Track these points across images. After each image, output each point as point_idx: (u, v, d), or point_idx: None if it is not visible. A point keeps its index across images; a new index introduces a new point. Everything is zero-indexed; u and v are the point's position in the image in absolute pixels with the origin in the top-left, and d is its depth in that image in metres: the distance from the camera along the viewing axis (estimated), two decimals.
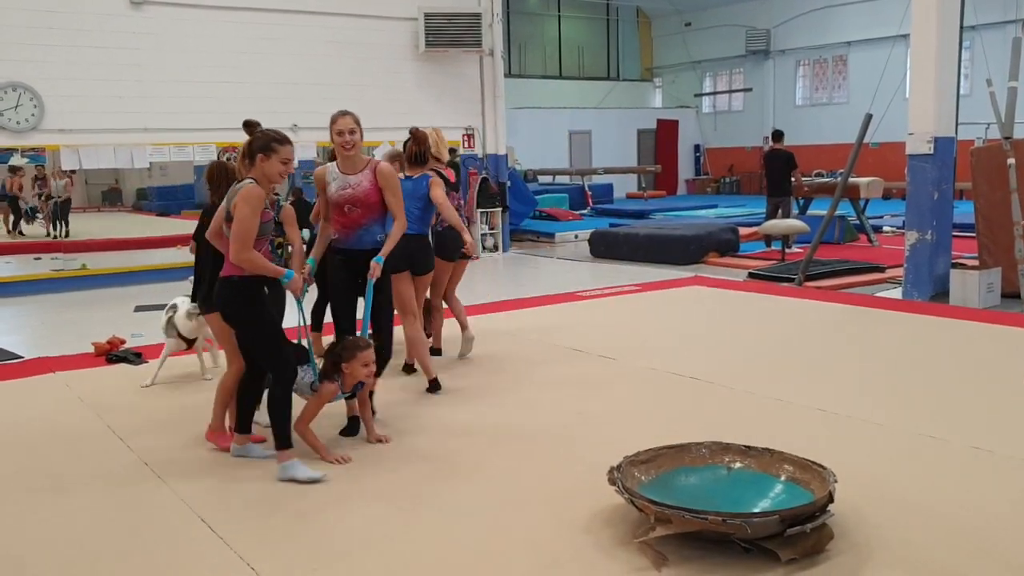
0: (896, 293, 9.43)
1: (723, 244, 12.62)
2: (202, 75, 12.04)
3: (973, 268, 8.81)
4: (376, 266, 4.58)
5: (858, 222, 13.49)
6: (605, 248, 13.08)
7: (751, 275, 10.64)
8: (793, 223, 11.59)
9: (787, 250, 12.11)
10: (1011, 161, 8.27)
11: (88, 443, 4.81)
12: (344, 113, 4.68)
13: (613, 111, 27.71)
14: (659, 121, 27.98)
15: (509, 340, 7.16)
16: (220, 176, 4.61)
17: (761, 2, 26.32)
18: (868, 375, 5.89)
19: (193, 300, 5.52)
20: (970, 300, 8.40)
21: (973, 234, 10.45)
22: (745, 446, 3.70)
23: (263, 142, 4.07)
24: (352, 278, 4.77)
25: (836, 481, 3.30)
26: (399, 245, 4.70)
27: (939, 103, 8.62)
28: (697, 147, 28.61)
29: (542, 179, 22.71)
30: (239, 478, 4.16)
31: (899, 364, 6.20)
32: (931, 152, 8.65)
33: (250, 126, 4.20)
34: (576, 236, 15.89)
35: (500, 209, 14.32)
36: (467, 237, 6.14)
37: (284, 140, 4.10)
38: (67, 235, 15.82)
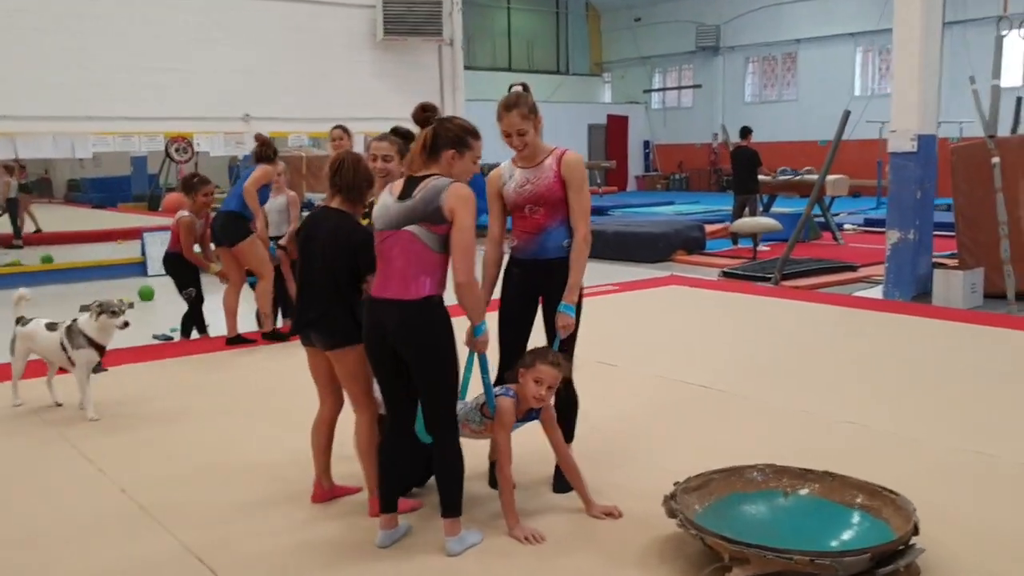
0: (874, 292, 9.30)
1: (690, 242, 12.43)
2: (150, 61, 11.35)
3: (955, 268, 8.71)
4: (567, 321, 3.65)
5: (823, 220, 13.40)
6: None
7: (725, 274, 10.43)
8: (766, 221, 11.43)
9: (755, 248, 11.96)
10: (995, 160, 8.17)
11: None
12: (507, 108, 3.62)
13: (563, 105, 27.40)
14: (609, 116, 27.84)
15: (492, 348, 6.77)
16: (357, 176, 3.59)
17: None
18: (884, 382, 5.66)
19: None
20: (954, 301, 8.29)
21: (945, 233, 10.47)
22: (802, 469, 3.40)
23: (455, 135, 3.25)
24: (530, 296, 3.83)
25: (915, 509, 3.00)
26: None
27: (922, 100, 8.49)
28: (647, 143, 28.55)
29: None
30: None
31: (911, 369, 6.00)
32: (914, 150, 8.51)
33: (427, 110, 3.34)
34: None
35: None
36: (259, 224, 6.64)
37: (478, 134, 3.34)
38: (19, 237, 14.92)
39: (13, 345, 5.30)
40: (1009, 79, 20.72)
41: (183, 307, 7.21)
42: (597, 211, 18.47)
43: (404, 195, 3.24)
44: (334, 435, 3.80)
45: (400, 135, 4.22)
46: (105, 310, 5.03)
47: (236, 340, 6.97)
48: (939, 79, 8.75)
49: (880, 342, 6.91)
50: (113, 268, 11.74)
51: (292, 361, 6.22)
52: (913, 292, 8.74)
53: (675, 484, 3.27)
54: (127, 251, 12.36)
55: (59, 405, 5.29)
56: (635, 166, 28.53)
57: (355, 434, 3.62)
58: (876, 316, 7.94)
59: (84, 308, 5.26)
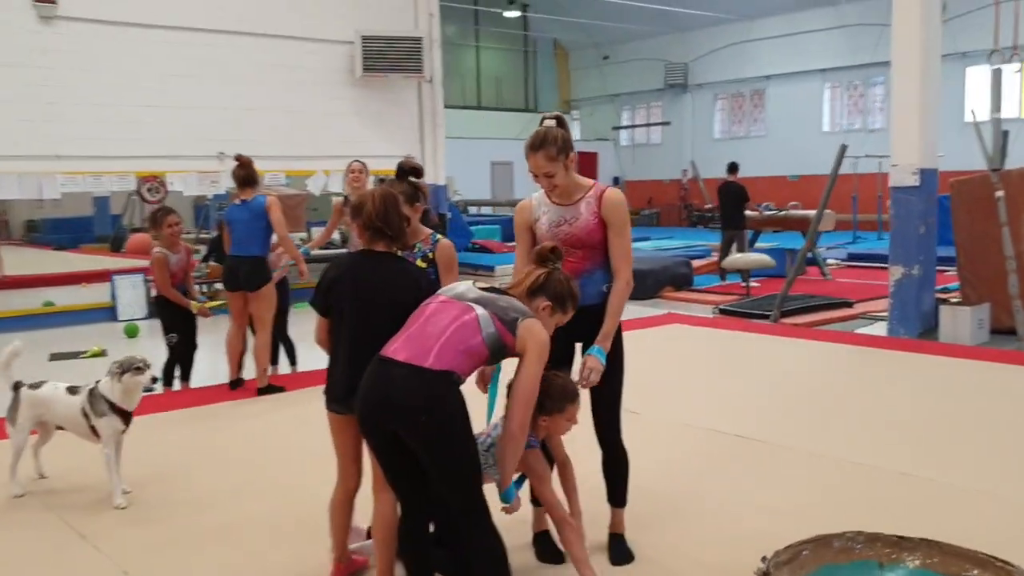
0: (877, 329, 9.12)
1: (678, 278, 12.23)
2: (121, 98, 10.95)
3: (958, 304, 8.55)
4: (597, 364, 3.30)
5: (810, 255, 13.25)
6: None
7: (722, 311, 10.20)
8: (759, 257, 11.24)
9: (747, 284, 11.77)
10: (999, 194, 8.05)
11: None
12: (533, 148, 3.30)
13: None
14: (579, 153, 27.75)
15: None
16: (398, 213, 3.20)
17: (679, 36, 26.48)
18: (924, 428, 5.41)
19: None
20: (961, 337, 8.11)
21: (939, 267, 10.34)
22: (897, 537, 3.08)
23: (561, 295, 3.09)
24: (566, 344, 3.46)
25: None
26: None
27: (923, 134, 8.37)
28: (616, 179, 28.51)
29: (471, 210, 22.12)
30: None
31: (949, 412, 5.76)
32: (917, 184, 8.37)
33: (550, 259, 3.13)
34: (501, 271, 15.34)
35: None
36: (303, 268, 6.69)
37: (575, 306, 3.16)
38: None
39: (14, 414, 4.46)
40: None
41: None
42: None
43: (487, 290, 3.01)
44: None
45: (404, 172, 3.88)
46: (127, 368, 4.32)
47: (268, 389, 6.57)
48: (938, 112, 8.63)
49: (903, 383, 6.68)
50: (81, 313, 11.21)
51: (290, 414, 5.95)
52: (919, 329, 8.56)
53: (763, 560, 2.93)
54: (95, 295, 11.81)
55: (43, 477, 4.69)
56: None
57: (374, 518, 3.18)
58: (888, 355, 7.72)
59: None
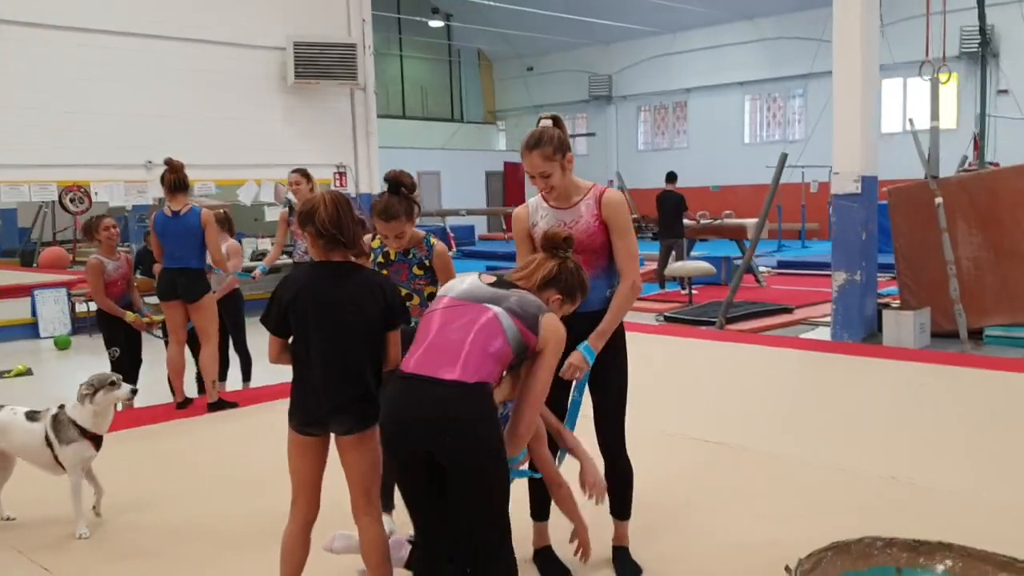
0: (819, 334, 9.27)
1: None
2: (43, 104, 10.43)
3: (899, 309, 8.74)
4: (582, 362, 3.14)
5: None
6: None
7: (667, 318, 10.24)
8: (701, 265, 11.35)
9: (690, 292, 11.86)
10: (939, 200, 8.27)
11: None
12: (528, 147, 3.23)
13: (460, 152, 27.25)
14: (506, 163, 27.77)
15: None
16: (350, 218, 2.94)
17: (602, 48, 26.76)
18: (895, 430, 5.45)
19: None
20: (904, 341, 8.29)
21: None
22: (914, 540, 3.05)
23: (572, 287, 3.00)
24: (570, 353, 3.24)
25: None
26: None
27: (864, 142, 8.55)
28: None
29: None
30: None
31: (912, 415, 5.83)
32: (859, 191, 8.54)
33: (563, 247, 3.00)
34: None
35: None
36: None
37: (584, 297, 3.08)
38: None
39: None
40: (891, 124, 21.81)
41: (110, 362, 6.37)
42: (510, 257, 18.22)
43: (495, 284, 2.82)
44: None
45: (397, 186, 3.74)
46: (100, 385, 3.99)
47: (219, 405, 6.32)
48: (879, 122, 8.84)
49: (862, 386, 6.78)
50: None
51: (246, 430, 5.55)
52: (862, 334, 8.73)
53: (787, 570, 2.86)
54: (14, 311, 11.18)
55: (9, 519, 4.21)
56: None
57: (362, 543, 2.99)
58: (840, 359, 7.83)
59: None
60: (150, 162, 11.38)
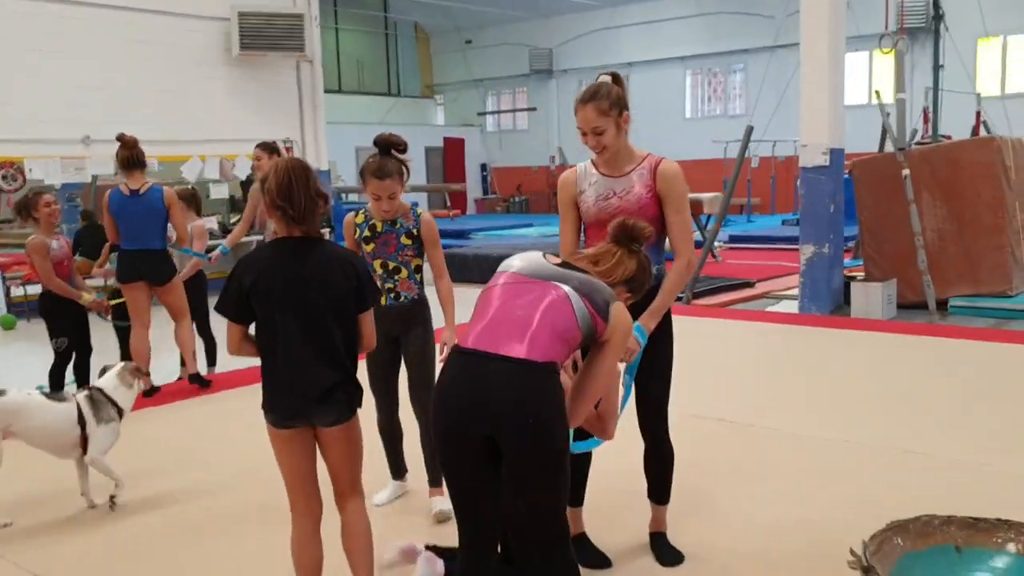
0: (785, 307, 9.30)
1: None
2: None
3: (864, 281, 8.81)
4: (635, 344, 2.95)
5: (701, 237, 13.46)
6: (452, 272, 12.18)
7: None
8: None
9: None
10: (906, 172, 8.32)
11: None
12: (583, 100, 3.08)
13: (398, 128, 26.59)
14: (446, 139, 27.39)
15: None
16: (309, 190, 2.69)
17: (542, 21, 26.50)
18: (897, 400, 5.47)
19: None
20: (873, 312, 8.36)
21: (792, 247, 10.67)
22: (972, 518, 2.98)
23: (641, 281, 2.82)
24: None
25: None
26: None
27: (832, 114, 8.55)
28: (484, 166, 28.31)
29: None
30: None
31: (909, 386, 5.85)
32: (827, 164, 8.55)
33: (635, 238, 2.79)
34: None
35: (329, 231, 12.97)
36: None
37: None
38: None
39: None
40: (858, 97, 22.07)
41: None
42: (458, 234, 17.95)
43: (561, 266, 2.59)
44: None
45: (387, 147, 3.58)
46: (146, 371, 4.41)
47: (197, 378, 6.29)
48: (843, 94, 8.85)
49: (847, 357, 6.81)
50: None
51: (211, 415, 5.23)
52: (830, 306, 8.77)
53: (853, 553, 2.75)
54: None
55: (5, 526, 3.89)
56: (473, 189, 28.18)
57: (347, 528, 2.81)
58: (813, 331, 7.85)
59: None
60: (88, 137, 10.87)
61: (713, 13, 23.16)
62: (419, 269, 3.81)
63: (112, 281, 6.59)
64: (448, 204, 23.18)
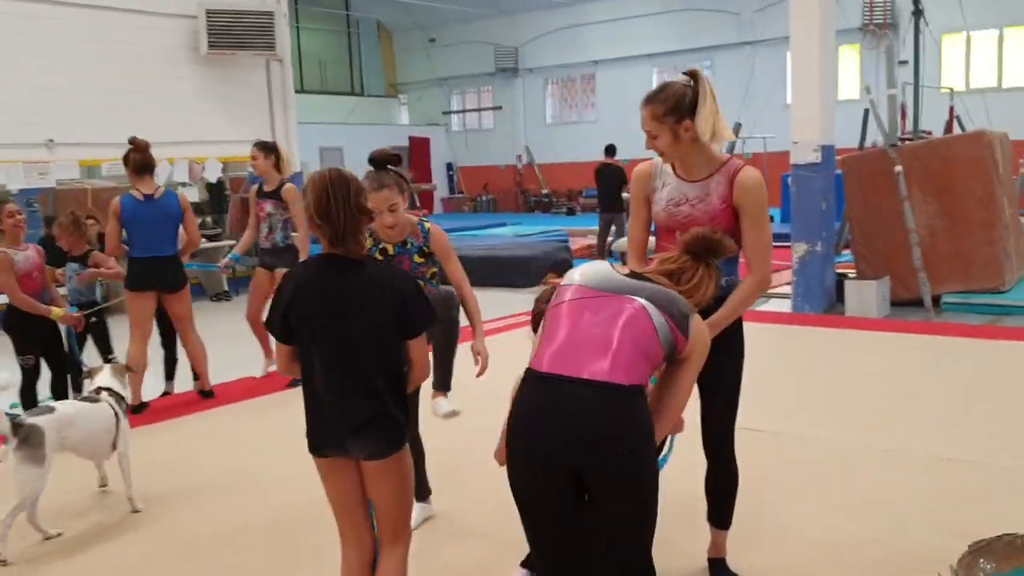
0: (775, 306, 9.18)
1: (560, 263, 11.93)
2: None
3: (860, 279, 8.73)
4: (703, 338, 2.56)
5: None
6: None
7: None
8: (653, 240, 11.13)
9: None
10: (898, 169, 8.25)
11: None
12: (644, 102, 2.89)
13: (362, 127, 26.32)
14: (411, 138, 27.05)
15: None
16: (354, 204, 2.50)
17: (507, 20, 26.28)
18: (918, 404, 5.34)
19: None
20: (867, 310, 8.28)
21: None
22: None
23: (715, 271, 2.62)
24: None
25: None
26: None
27: (823, 111, 8.45)
28: (450, 165, 28.02)
29: None
30: None
31: (924, 388, 5.74)
32: (819, 161, 8.45)
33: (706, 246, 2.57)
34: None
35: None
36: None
37: None
38: None
39: (38, 451, 3.61)
40: (848, 92, 22.18)
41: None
42: None
43: (630, 276, 2.39)
44: None
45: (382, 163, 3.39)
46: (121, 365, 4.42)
47: (209, 393, 6.10)
48: (836, 91, 8.75)
49: (854, 359, 6.69)
50: None
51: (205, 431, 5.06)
52: (824, 304, 8.68)
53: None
54: None
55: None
56: (439, 188, 27.89)
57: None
58: (812, 331, 7.75)
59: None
60: (51, 140, 10.45)
61: (680, 10, 23.14)
62: (435, 275, 3.62)
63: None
64: (418, 204, 22.85)
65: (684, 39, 23.29)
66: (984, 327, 7.66)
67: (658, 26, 23.69)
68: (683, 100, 2.79)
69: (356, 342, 2.43)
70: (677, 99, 2.79)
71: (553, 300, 2.42)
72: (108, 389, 4.15)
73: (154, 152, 11.27)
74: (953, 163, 8.47)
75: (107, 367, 4.36)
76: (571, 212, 23.89)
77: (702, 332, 2.38)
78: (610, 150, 12.74)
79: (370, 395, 2.45)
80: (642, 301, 2.30)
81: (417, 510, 3.81)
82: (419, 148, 27.13)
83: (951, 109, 13.12)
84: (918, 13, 10.03)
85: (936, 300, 8.44)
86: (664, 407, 2.39)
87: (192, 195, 12.19)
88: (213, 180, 12.39)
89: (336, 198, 2.41)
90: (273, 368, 6.46)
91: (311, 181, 2.45)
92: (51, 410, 3.87)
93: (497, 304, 9.59)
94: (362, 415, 2.44)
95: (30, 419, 3.71)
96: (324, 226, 2.43)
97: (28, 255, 5.45)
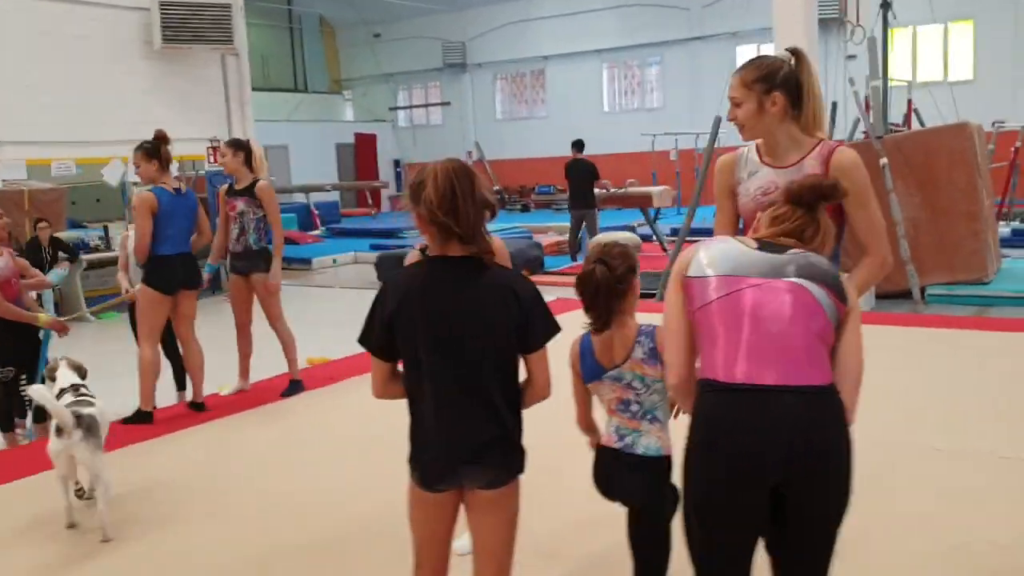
0: None
1: (532, 261, 11.78)
2: None
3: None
4: None
5: (651, 232, 13.28)
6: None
7: None
8: (628, 236, 10.97)
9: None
10: (884, 161, 8.23)
11: None
12: (737, 70, 2.64)
13: (307, 124, 25.80)
14: (357, 135, 26.58)
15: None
16: (465, 199, 2.18)
17: (455, 14, 25.96)
18: (952, 401, 5.25)
19: None
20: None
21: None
22: None
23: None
24: None
25: None
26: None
27: None
28: (397, 162, 27.59)
29: None
30: None
31: (943, 381, 5.66)
32: None
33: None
34: (335, 261, 14.30)
35: None
36: None
37: None
38: None
39: (98, 438, 3.85)
40: None
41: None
42: (388, 234, 17.32)
43: (765, 248, 2.17)
44: None
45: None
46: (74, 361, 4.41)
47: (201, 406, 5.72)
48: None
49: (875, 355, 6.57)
50: None
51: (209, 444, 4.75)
52: None
53: None
54: None
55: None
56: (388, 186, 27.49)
57: None
58: None
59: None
60: None
61: (629, 5, 23.12)
62: None
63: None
64: (371, 202, 22.49)
65: (633, 34, 23.29)
66: (974, 318, 7.68)
67: (607, 21, 23.64)
68: (777, 72, 2.60)
69: (475, 357, 2.18)
70: (771, 69, 2.60)
71: (695, 298, 2.17)
72: (82, 386, 4.20)
73: (106, 151, 10.94)
74: (936, 155, 8.50)
75: (63, 363, 4.33)
76: (525, 209, 23.71)
77: (851, 286, 2.22)
78: (578, 145, 12.55)
79: (490, 416, 2.21)
80: (800, 281, 2.09)
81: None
82: (365, 145, 26.68)
83: (909, 102, 13.25)
84: (886, 6, 10.05)
85: (920, 292, 8.46)
86: (846, 371, 2.13)
87: None
88: None
89: (464, 191, 2.16)
90: (242, 388, 6.13)
91: (432, 175, 2.17)
92: (91, 402, 3.98)
93: None
94: (481, 439, 2.20)
95: (86, 410, 3.85)
96: (450, 223, 2.15)
97: (6, 260, 5.09)
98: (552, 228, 16.61)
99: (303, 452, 4.90)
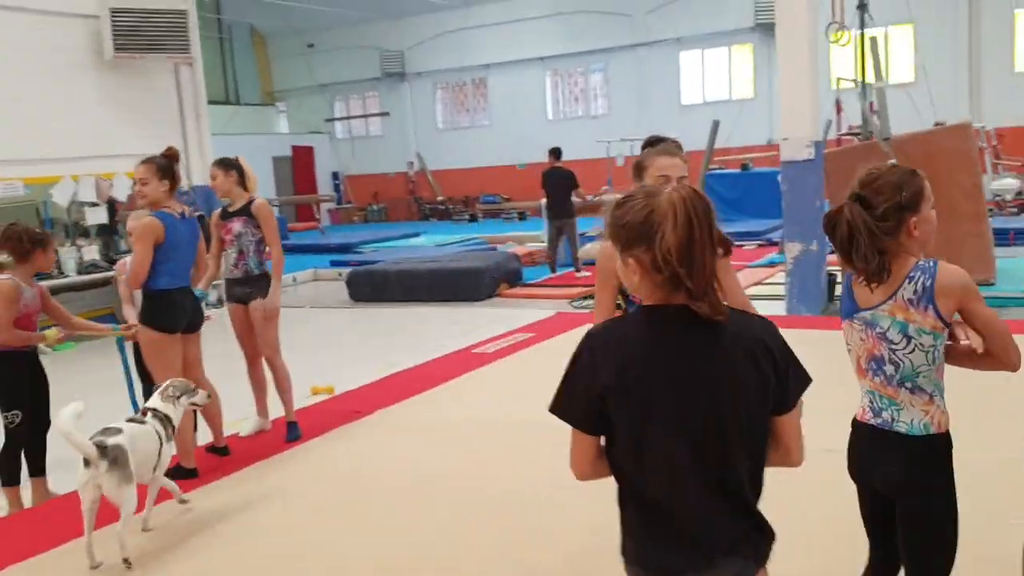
0: (771, 308, 8.90)
1: (511, 274, 11.39)
2: None
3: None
4: None
5: None
6: (371, 291, 11.19)
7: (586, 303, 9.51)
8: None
9: (579, 274, 11.25)
10: (892, 162, 8.07)
11: None
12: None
13: (240, 137, 24.82)
14: (294, 148, 25.77)
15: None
16: (700, 244, 1.70)
17: (392, 23, 25.44)
18: (982, 406, 5.04)
19: None
20: None
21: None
22: None
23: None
24: None
25: None
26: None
27: (813, 105, 8.22)
28: (336, 174, 26.86)
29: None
30: None
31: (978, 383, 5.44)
32: (812, 157, 8.21)
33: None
34: (295, 279, 13.65)
35: None
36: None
37: None
38: None
39: (127, 469, 3.72)
40: (692, 96, 22.39)
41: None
42: (343, 249, 16.73)
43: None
44: None
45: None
46: (183, 392, 4.27)
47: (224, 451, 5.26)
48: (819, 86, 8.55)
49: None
50: None
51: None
52: (821, 306, 8.44)
53: None
54: None
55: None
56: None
57: None
58: (823, 335, 7.43)
59: None
60: None
61: (571, 12, 22.95)
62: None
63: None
64: (317, 216, 21.74)
65: (576, 41, 23.14)
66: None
67: (550, 28, 23.44)
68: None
69: (724, 436, 1.72)
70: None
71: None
72: (155, 409, 4.13)
73: (56, 168, 10.15)
74: (939, 155, 8.41)
75: (159, 387, 4.32)
76: (473, 219, 23.29)
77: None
78: (555, 152, 12.15)
79: (737, 505, 1.77)
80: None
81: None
82: (303, 157, 25.91)
83: (871, 105, 13.35)
84: (863, 7, 10.00)
85: None
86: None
87: (100, 216, 10.84)
88: (123, 199, 11.07)
89: (703, 235, 1.66)
90: (262, 428, 5.60)
91: (671, 213, 1.65)
92: (119, 431, 3.83)
93: (484, 320, 8.94)
94: (729, 534, 1.76)
95: (111, 440, 3.72)
96: (684, 275, 1.66)
97: (33, 295, 4.57)
98: (510, 238, 16.27)
99: (369, 505, 4.40)
